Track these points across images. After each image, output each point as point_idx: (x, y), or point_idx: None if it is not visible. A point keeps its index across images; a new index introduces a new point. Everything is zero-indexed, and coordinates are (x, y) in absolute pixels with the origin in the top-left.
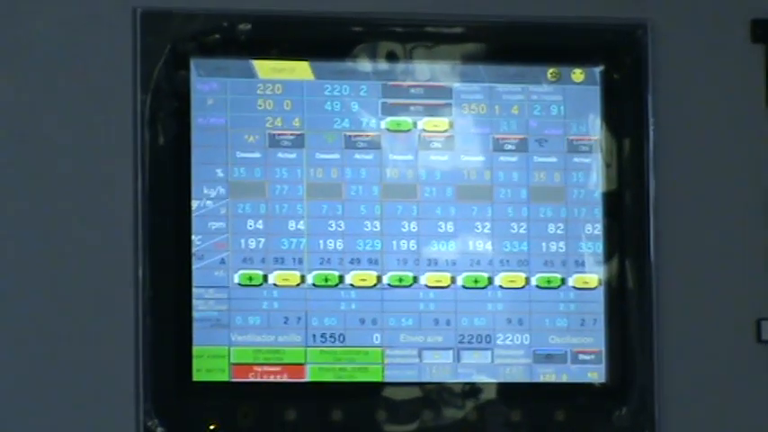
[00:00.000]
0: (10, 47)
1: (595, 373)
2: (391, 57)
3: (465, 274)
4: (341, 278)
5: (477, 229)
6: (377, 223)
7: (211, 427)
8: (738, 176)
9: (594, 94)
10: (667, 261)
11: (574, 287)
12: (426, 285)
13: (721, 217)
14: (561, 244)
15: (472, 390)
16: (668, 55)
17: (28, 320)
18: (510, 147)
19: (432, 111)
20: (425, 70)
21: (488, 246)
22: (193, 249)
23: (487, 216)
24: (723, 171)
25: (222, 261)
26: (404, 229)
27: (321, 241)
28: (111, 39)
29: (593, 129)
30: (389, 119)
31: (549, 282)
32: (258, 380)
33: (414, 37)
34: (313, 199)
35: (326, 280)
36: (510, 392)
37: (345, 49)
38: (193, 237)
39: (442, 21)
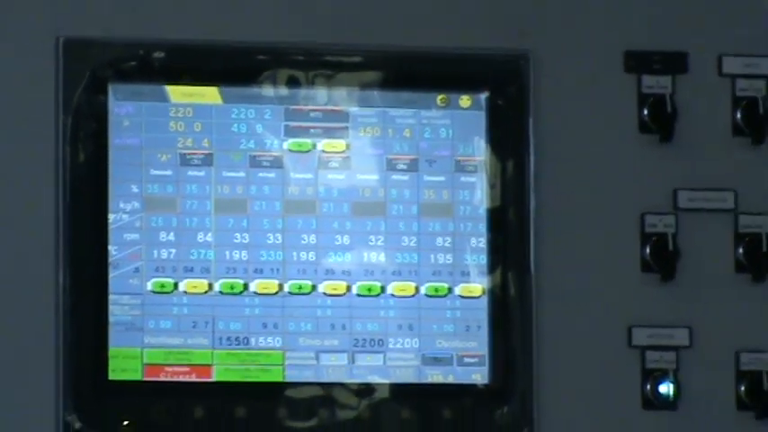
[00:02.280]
0: None
1: (479, 375)
2: (293, 83)
3: (359, 283)
4: (245, 286)
5: (371, 242)
6: (279, 236)
7: (125, 423)
8: (613, 196)
9: (480, 118)
10: (546, 272)
11: (460, 296)
12: (324, 293)
13: (596, 232)
14: (449, 256)
15: (366, 389)
16: (548, 83)
17: None
18: (402, 166)
19: (330, 133)
20: (325, 96)
21: (381, 257)
22: (110, 259)
23: (381, 230)
24: (598, 190)
25: (136, 270)
26: (303, 242)
27: (227, 252)
28: (36, 64)
29: (479, 150)
30: (291, 140)
31: (436, 290)
32: (169, 379)
33: (314, 65)
34: (220, 213)
35: (232, 288)
36: (401, 392)
37: (251, 75)
38: (110, 247)
39: (340, 50)
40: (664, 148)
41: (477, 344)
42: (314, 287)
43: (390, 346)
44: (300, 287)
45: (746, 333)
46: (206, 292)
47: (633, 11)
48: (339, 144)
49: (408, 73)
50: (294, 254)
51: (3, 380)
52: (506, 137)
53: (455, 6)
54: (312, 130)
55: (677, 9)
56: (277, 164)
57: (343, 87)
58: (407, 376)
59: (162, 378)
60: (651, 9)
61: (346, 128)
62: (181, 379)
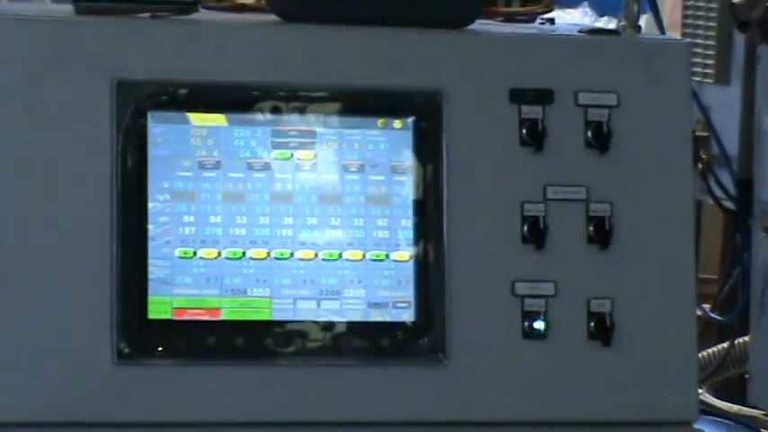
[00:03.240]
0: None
1: (407, 315)
2: (277, 111)
3: (324, 252)
4: (243, 253)
5: (332, 222)
6: (267, 218)
7: (159, 348)
8: (502, 190)
9: (409, 136)
10: (455, 244)
11: (394, 260)
12: (299, 258)
13: (490, 216)
14: (386, 232)
15: (328, 326)
16: (457, 111)
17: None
18: (353, 169)
19: (303, 146)
20: (300, 120)
21: (339, 233)
22: (149, 234)
23: (339, 214)
24: (491, 186)
25: (167, 242)
26: (284, 222)
27: (231, 229)
28: (97, 98)
29: (408, 158)
30: (276, 151)
31: (377, 256)
32: (190, 318)
33: (292, 98)
34: (226, 203)
35: (234, 254)
36: (353, 328)
37: (248, 106)
38: (149, 226)
39: (311, 88)
40: (537, 157)
41: (406, 293)
42: (292, 254)
43: (345, 295)
44: (282, 254)
45: (595, 286)
46: (216, 258)
47: (516, 59)
48: (309, 154)
49: (358, 104)
50: (278, 231)
51: (77, 318)
52: (427, 148)
53: (392, 56)
54: (291, 144)
55: (547, 58)
56: (266, 168)
57: (312, 114)
58: (357, 316)
59: (185, 317)
60: (529, 58)
61: (314, 143)
62: (198, 318)
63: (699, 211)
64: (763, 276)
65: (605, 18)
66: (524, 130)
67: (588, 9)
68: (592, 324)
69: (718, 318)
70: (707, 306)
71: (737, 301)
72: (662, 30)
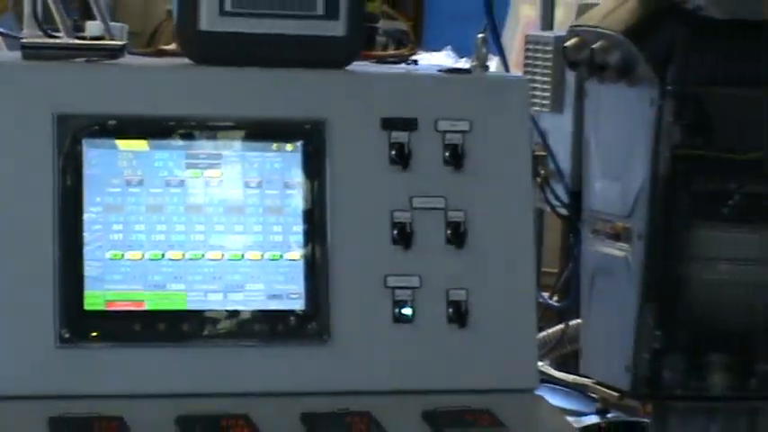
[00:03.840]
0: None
1: (298, 304)
2: (190, 137)
3: (230, 253)
4: (163, 255)
5: (236, 229)
6: (182, 226)
7: (94, 334)
8: (376, 200)
9: (298, 157)
10: (336, 245)
11: (287, 259)
12: (209, 259)
13: (367, 222)
14: (280, 237)
15: (234, 313)
16: (337, 136)
17: None
18: (254, 185)
19: (212, 166)
20: (209, 145)
21: (242, 238)
22: (85, 240)
23: (242, 222)
24: (369, 197)
25: (100, 246)
26: (197, 229)
27: (153, 235)
28: (41, 128)
29: (298, 175)
30: (189, 170)
31: (274, 256)
32: (119, 308)
33: (202, 127)
34: (149, 213)
35: (155, 256)
36: (254, 315)
37: (166, 133)
38: (84, 233)
39: (218, 119)
40: (404, 174)
41: (297, 287)
42: (203, 255)
43: (247, 288)
44: (195, 255)
45: (452, 278)
46: (140, 259)
47: (387, 93)
48: (217, 173)
49: (257, 132)
50: (191, 236)
51: (25, 310)
52: (313, 168)
53: (284, 92)
54: (201, 165)
55: (412, 92)
56: (181, 184)
57: (219, 140)
58: (258, 306)
59: (115, 308)
60: (398, 92)
61: (221, 163)
62: (126, 308)
63: (540, 217)
64: (590, 269)
65: (464, 59)
66: (393, 152)
67: (450, 52)
68: (450, 310)
69: (556, 304)
70: (547, 294)
71: (572, 289)
72: (507, 68)
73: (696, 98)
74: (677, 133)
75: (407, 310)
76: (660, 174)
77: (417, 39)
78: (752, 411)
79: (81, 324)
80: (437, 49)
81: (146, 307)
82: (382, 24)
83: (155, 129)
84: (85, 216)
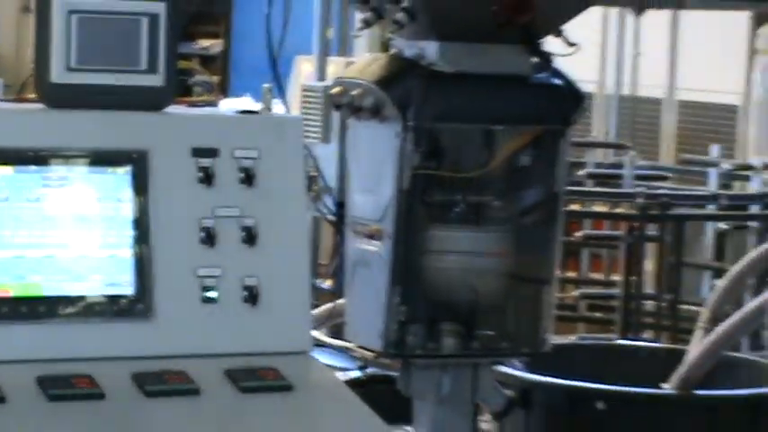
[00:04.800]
0: None
1: (130, 290)
2: (46, 163)
3: (76, 252)
4: (24, 254)
5: (81, 234)
6: (40, 231)
7: None
8: (188, 209)
9: (128, 178)
10: (158, 244)
11: (121, 256)
12: (60, 257)
13: (180, 226)
14: (116, 239)
15: (80, 298)
16: (158, 162)
17: None
18: (94, 199)
19: (62, 185)
20: (60, 169)
21: (85, 240)
22: None
23: (85, 228)
24: (181, 206)
25: None
26: (50, 233)
27: (17, 238)
28: None
29: (128, 192)
30: (45, 189)
31: (110, 254)
32: None
33: (55, 156)
34: (14, 221)
35: (18, 255)
36: (97, 300)
37: (26, 161)
38: None
39: (66, 149)
40: (209, 190)
41: (129, 277)
42: (55, 254)
43: (90, 278)
44: (49, 254)
45: (246, 269)
46: (7, 257)
47: (195, 129)
48: (67, 190)
49: (97, 159)
50: (47, 239)
51: None
52: (140, 186)
53: (118, 129)
54: (54, 184)
55: (214, 128)
56: (38, 200)
57: (68, 165)
58: (99, 291)
59: None
60: (204, 128)
61: (69, 183)
62: None
63: (317, 223)
64: (352, 261)
65: (259, 103)
66: (201, 174)
67: (250, 99)
68: (245, 293)
69: (329, 288)
70: (321, 280)
71: (339, 276)
72: (288, 110)
73: (430, 132)
74: (416, 158)
75: (212, 294)
76: (403, 188)
77: (224, 89)
78: (474, 365)
79: None
80: (240, 95)
81: (11, 294)
82: (197, 78)
83: (18, 157)
84: None
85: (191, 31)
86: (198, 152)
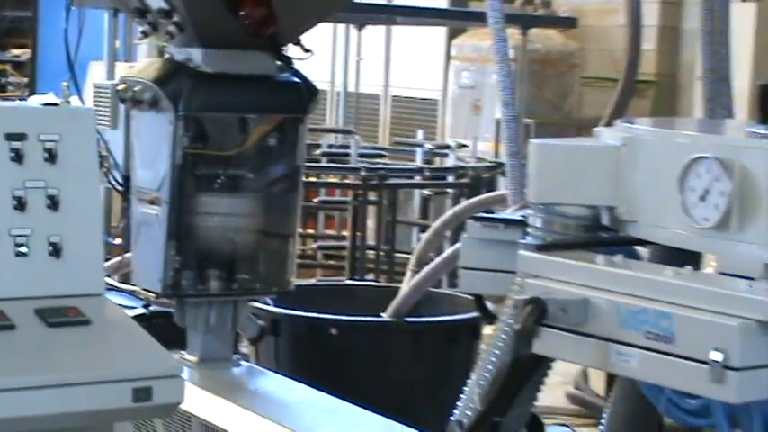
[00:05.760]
0: None
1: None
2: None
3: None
4: None
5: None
6: None
7: None
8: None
9: None
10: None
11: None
12: None
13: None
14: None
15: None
16: None
17: None
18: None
19: None
20: None
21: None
22: None
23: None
24: None
25: None
26: None
27: None
28: None
29: None
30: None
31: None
32: None
33: None
34: None
35: None
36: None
37: None
38: None
39: None
40: (20, 167)
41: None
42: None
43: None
44: None
45: (52, 229)
46: None
47: None
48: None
49: None
50: None
51: None
52: None
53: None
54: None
55: (20, 118)
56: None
57: None
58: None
59: None
60: (12, 117)
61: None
62: None
63: (109, 192)
64: (137, 222)
65: (60, 98)
66: (12, 153)
67: (53, 95)
68: (51, 248)
69: (119, 244)
70: (113, 238)
71: (127, 234)
72: (83, 103)
73: (196, 119)
74: (186, 140)
75: (24, 249)
76: (176, 164)
77: (32, 88)
78: (235, 302)
79: None
80: (44, 93)
81: None
82: (11, 79)
83: None
84: None
85: (4, 43)
86: (10, 137)
